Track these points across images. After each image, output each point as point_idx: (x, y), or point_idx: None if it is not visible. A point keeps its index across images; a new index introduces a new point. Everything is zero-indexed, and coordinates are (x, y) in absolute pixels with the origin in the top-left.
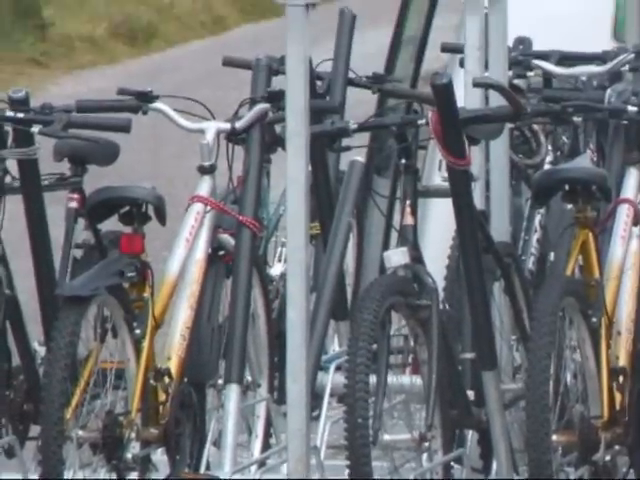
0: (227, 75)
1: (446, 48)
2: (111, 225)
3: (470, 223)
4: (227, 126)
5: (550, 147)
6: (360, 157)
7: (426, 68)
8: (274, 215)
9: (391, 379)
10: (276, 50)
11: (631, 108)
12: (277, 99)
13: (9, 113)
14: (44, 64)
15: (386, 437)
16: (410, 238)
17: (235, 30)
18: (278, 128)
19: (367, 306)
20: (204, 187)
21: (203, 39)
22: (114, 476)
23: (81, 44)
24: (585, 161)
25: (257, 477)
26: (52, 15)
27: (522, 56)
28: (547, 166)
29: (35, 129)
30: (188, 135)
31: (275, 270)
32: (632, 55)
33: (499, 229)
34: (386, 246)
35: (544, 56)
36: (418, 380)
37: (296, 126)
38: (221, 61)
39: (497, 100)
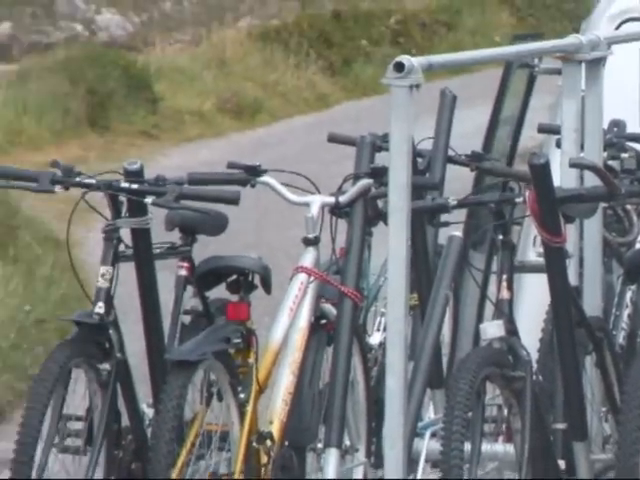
0: (328, 150)
1: (542, 129)
2: (218, 293)
3: (564, 298)
4: (331, 200)
5: None
6: (458, 232)
7: (521, 146)
8: (374, 286)
9: (485, 447)
10: (376, 126)
11: None
12: (380, 175)
13: (124, 184)
14: (154, 136)
15: None
16: (506, 311)
17: (336, 107)
18: (380, 203)
19: (463, 376)
20: (308, 258)
21: (306, 115)
22: None
23: (190, 118)
24: None
25: None
26: (163, 90)
27: (616, 138)
28: (639, 245)
29: (149, 200)
30: (290, 206)
31: (374, 339)
32: None
33: (591, 304)
34: (480, 318)
35: (638, 138)
36: (511, 448)
37: (398, 202)
38: (324, 136)
39: (592, 180)
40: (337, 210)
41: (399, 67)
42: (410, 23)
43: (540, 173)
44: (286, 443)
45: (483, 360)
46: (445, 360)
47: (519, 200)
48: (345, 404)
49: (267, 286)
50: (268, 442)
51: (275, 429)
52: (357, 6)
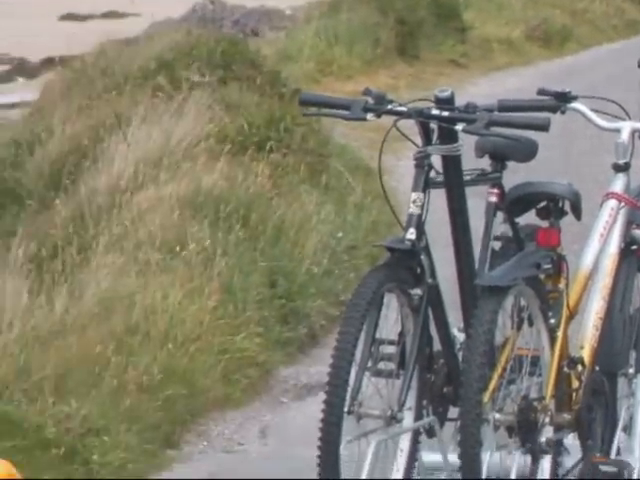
0: (638, 76)
1: None
2: (528, 219)
3: None
4: None
5: None
6: None
7: None
8: None
9: None
10: None
11: None
12: None
13: (435, 111)
14: (463, 65)
15: None
16: None
17: None
18: None
19: None
20: (618, 184)
21: (614, 42)
22: (528, 459)
23: (498, 46)
24: None
25: None
26: (472, 19)
27: None
28: None
29: (459, 127)
30: (599, 132)
31: None
32: None
33: None
34: None
35: None
36: None
37: None
38: (633, 63)
39: None
40: None
41: None
42: None
43: None
44: (597, 368)
45: None
46: None
47: None
48: None
49: (577, 212)
50: (579, 367)
51: (586, 354)
52: None
